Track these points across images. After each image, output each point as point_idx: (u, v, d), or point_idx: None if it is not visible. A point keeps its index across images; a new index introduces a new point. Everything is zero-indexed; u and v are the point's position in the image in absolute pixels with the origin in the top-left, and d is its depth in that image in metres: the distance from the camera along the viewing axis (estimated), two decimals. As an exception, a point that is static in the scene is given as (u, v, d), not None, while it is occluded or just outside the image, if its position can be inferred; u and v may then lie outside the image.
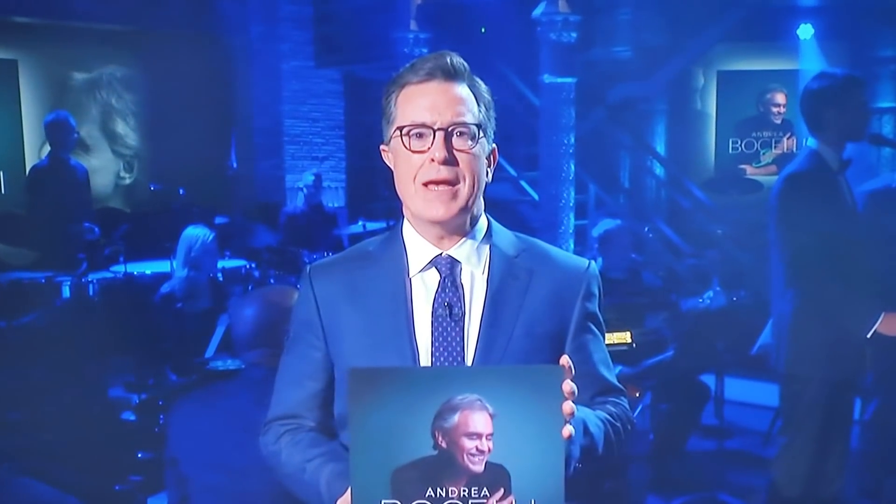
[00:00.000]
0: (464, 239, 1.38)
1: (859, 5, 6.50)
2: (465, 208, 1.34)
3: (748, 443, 4.35)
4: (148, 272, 5.05)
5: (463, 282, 1.37)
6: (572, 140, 5.98)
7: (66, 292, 4.77)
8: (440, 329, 1.34)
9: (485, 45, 6.86)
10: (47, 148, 5.56)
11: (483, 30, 7.08)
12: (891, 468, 3.43)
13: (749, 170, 7.72)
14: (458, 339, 1.33)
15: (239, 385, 2.13)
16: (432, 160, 1.31)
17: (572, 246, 6.00)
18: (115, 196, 7.66)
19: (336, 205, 7.88)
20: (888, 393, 3.39)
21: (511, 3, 6.41)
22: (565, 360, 1.18)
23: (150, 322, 4.22)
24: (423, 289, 1.37)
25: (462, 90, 1.34)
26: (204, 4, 6.85)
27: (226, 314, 3.50)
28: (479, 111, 1.36)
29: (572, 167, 6.03)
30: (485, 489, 1.12)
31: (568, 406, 1.15)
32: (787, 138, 7.75)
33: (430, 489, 1.12)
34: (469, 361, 1.33)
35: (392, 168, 1.39)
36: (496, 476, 1.12)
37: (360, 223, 6.01)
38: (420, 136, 1.32)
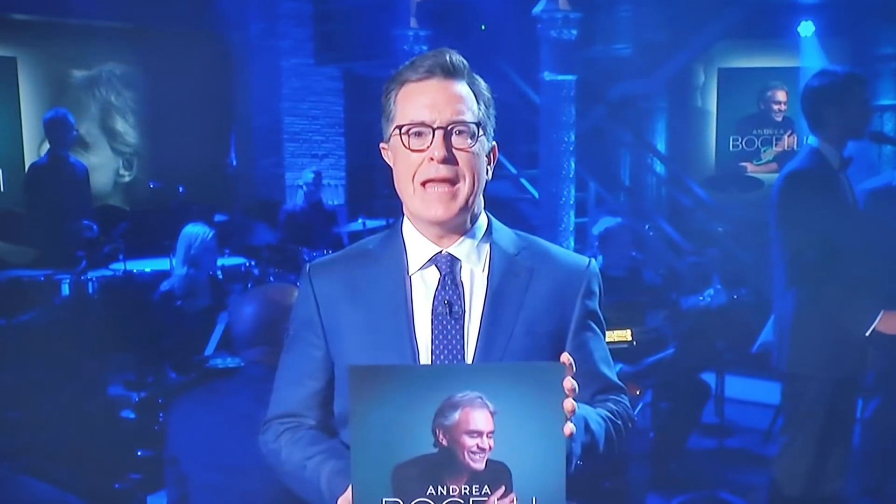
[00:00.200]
0: (464, 237, 1.37)
1: (860, 2, 6.49)
2: (465, 207, 1.33)
3: (749, 441, 4.35)
4: (147, 270, 5.04)
5: (463, 280, 1.36)
6: (572, 138, 5.97)
7: (66, 290, 4.77)
8: (440, 327, 1.33)
9: (485, 43, 6.86)
10: (46, 145, 5.56)
11: (483, 27, 7.07)
12: (892, 467, 3.42)
13: (750, 167, 7.71)
14: (458, 337, 1.33)
15: (239, 383, 2.13)
16: (431, 159, 1.30)
17: (572, 244, 5.99)
18: (115, 194, 7.65)
19: (336, 202, 7.88)
20: (889, 391, 3.38)
21: (511, 1, 6.39)
22: (566, 357, 1.17)
23: (150, 320, 4.21)
24: (423, 287, 1.36)
25: (461, 88, 1.34)
26: (203, 2, 6.84)
27: (225, 312, 3.50)
28: (479, 109, 1.35)
29: (573, 165, 6.02)
30: (486, 487, 1.12)
31: (569, 403, 1.14)
32: (788, 136, 7.74)
33: (431, 487, 1.12)
34: (469, 359, 1.33)
35: (392, 166, 1.39)
36: (497, 474, 1.12)
37: (360, 221, 6.00)
38: (419, 134, 1.31)
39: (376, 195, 7.56)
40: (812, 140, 2.81)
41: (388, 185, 1.40)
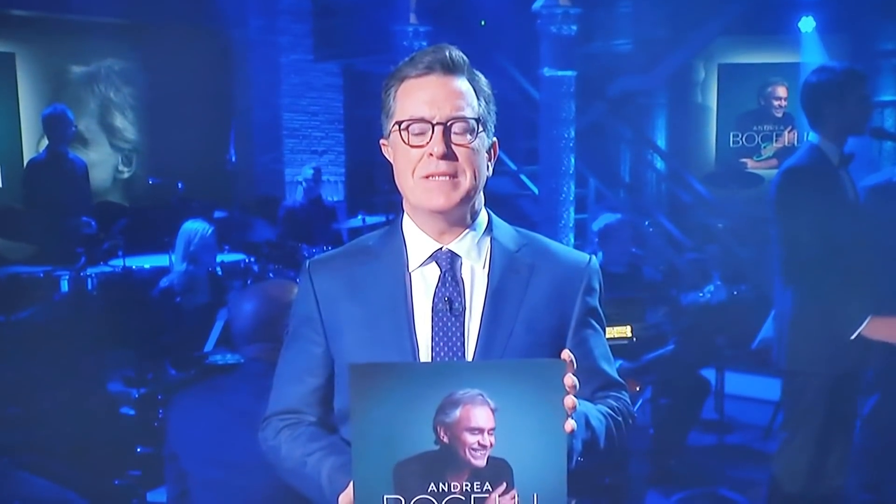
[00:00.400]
0: (464, 233, 1.37)
1: (861, -2, 6.48)
2: (466, 199, 1.33)
3: (749, 437, 4.35)
4: (147, 266, 5.04)
5: (463, 276, 1.36)
6: (572, 134, 5.96)
7: (65, 287, 4.76)
8: (440, 324, 1.33)
9: (484, 39, 6.85)
10: (45, 142, 5.54)
11: (483, 23, 7.06)
12: (891, 463, 3.42)
13: (750, 164, 7.71)
14: (458, 334, 1.33)
15: (238, 379, 2.13)
16: (431, 155, 1.30)
17: (572, 240, 5.99)
18: (114, 190, 7.64)
19: (335, 199, 7.88)
20: (888, 388, 3.38)
21: (511, -3, 6.39)
22: (566, 353, 1.17)
23: (149, 316, 4.21)
24: (424, 283, 1.36)
25: (461, 84, 1.33)
26: (203, -3, 6.83)
27: (225, 309, 3.49)
28: (479, 105, 1.34)
29: (572, 161, 6.02)
30: (487, 484, 1.12)
31: (570, 400, 1.14)
32: (789, 132, 7.73)
33: (432, 484, 1.12)
34: (469, 356, 1.32)
35: (392, 162, 1.38)
36: (498, 470, 1.12)
37: (360, 217, 6.00)
38: (419, 130, 1.31)
39: (376, 191, 7.56)
40: (812, 136, 2.80)
41: (388, 182, 1.40)
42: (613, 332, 3.39)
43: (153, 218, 5.67)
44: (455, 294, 1.34)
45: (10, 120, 6.92)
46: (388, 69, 1.40)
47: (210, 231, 4.26)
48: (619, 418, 1.38)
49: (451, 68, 1.33)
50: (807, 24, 7.02)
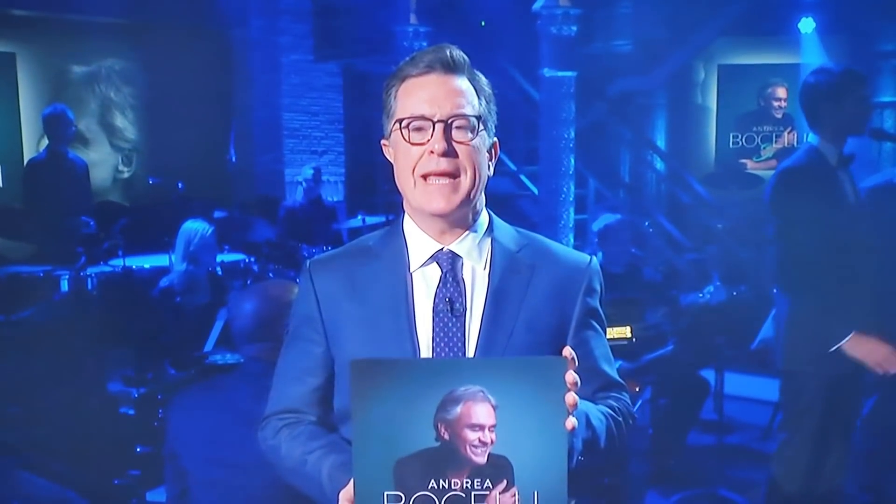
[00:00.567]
0: (465, 234, 1.37)
1: (861, -1, 6.49)
2: (467, 201, 1.33)
3: (748, 438, 4.35)
4: (147, 266, 5.03)
5: (464, 277, 1.36)
6: (572, 134, 5.97)
7: (65, 286, 4.76)
8: (441, 325, 1.33)
9: (485, 39, 6.85)
10: (45, 141, 5.54)
11: (483, 23, 7.06)
12: (890, 464, 3.43)
13: (749, 164, 7.71)
14: (458, 334, 1.33)
15: (238, 379, 2.13)
16: (431, 152, 1.30)
17: (572, 240, 5.99)
18: (114, 190, 7.64)
19: (335, 199, 7.88)
20: (887, 389, 3.38)
21: (511, -3, 6.39)
22: (568, 351, 1.17)
23: (149, 316, 4.21)
24: (424, 284, 1.36)
25: (462, 83, 1.34)
26: (203, -3, 6.84)
27: (225, 308, 3.49)
28: (480, 104, 1.35)
29: (572, 161, 6.02)
30: (487, 481, 1.12)
31: (571, 397, 1.14)
32: (788, 133, 7.73)
33: (432, 481, 1.12)
34: (470, 357, 1.32)
35: (393, 163, 1.38)
36: (499, 468, 1.11)
37: (360, 217, 6.00)
38: (419, 128, 1.31)
39: (376, 192, 7.56)
40: (812, 138, 2.80)
41: (388, 182, 1.40)
42: (613, 332, 3.40)
43: (153, 218, 5.65)
44: (456, 295, 1.34)
45: (10, 119, 6.92)
46: (388, 69, 1.40)
47: (210, 231, 4.26)
48: (620, 419, 1.38)
49: (451, 67, 1.33)
50: (806, 25, 7.03)
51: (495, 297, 1.35)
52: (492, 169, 1.39)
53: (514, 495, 1.12)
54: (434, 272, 1.36)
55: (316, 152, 8.14)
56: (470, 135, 1.32)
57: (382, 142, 1.41)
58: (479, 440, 1.11)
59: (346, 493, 1.19)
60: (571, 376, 1.15)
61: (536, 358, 1.23)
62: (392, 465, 1.11)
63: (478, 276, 1.37)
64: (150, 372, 3.60)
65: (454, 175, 1.31)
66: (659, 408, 3.89)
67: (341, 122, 8.29)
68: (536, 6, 5.88)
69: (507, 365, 1.15)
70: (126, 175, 7.70)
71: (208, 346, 3.41)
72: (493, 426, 1.11)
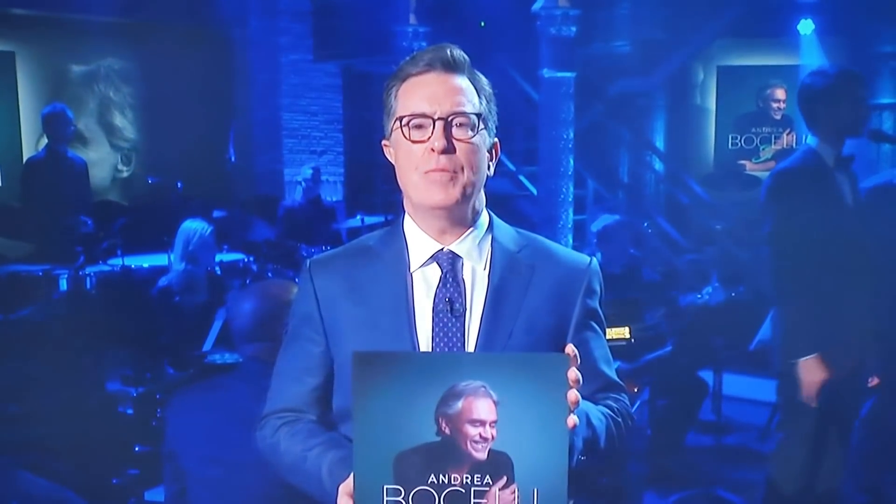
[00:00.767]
0: (465, 234, 1.37)
1: (860, 1, 6.48)
2: (466, 196, 1.33)
3: (746, 438, 4.35)
4: (145, 265, 5.03)
5: (464, 277, 1.36)
6: (571, 135, 5.97)
7: (64, 285, 4.76)
8: (441, 325, 1.33)
9: (484, 40, 6.85)
10: (44, 140, 5.54)
11: (482, 24, 7.06)
12: (888, 465, 3.43)
13: (748, 166, 7.71)
14: (458, 334, 1.33)
15: (237, 379, 2.13)
16: (432, 150, 1.30)
17: (571, 241, 6.00)
18: (113, 189, 7.63)
19: (334, 199, 7.88)
20: (885, 390, 3.38)
21: (510, -2, 6.39)
22: (570, 348, 1.17)
23: (148, 316, 4.21)
24: (424, 284, 1.36)
25: (462, 81, 1.34)
26: (203, -3, 6.83)
27: (223, 308, 3.49)
28: (480, 102, 1.35)
29: (571, 162, 6.02)
30: (487, 477, 1.12)
31: (573, 394, 1.14)
32: (787, 134, 7.74)
33: (432, 475, 1.12)
34: (469, 357, 1.32)
35: (393, 163, 1.38)
36: (499, 464, 1.11)
37: (359, 217, 6.00)
38: (420, 126, 1.31)
39: (375, 191, 7.56)
40: (811, 139, 2.81)
41: (387, 182, 1.40)
42: (612, 333, 3.40)
43: (152, 217, 5.65)
44: (456, 295, 1.34)
45: (9, 119, 6.92)
46: (387, 69, 1.41)
47: (209, 230, 4.26)
48: (619, 419, 1.38)
49: (451, 66, 1.33)
50: (805, 26, 7.03)
51: (495, 298, 1.35)
52: (492, 169, 1.39)
53: (514, 492, 1.12)
54: (434, 272, 1.36)
55: (315, 152, 8.14)
56: (470, 132, 1.32)
57: (383, 142, 1.41)
58: (480, 436, 1.11)
59: (346, 487, 1.19)
60: (573, 374, 1.14)
61: (539, 354, 1.23)
62: (392, 458, 1.11)
63: (478, 276, 1.37)
64: (149, 371, 3.60)
65: (454, 172, 1.31)
66: (657, 408, 3.90)
67: (340, 122, 8.29)
68: (536, 7, 5.89)
69: (510, 361, 1.15)
70: (125, 174, 7.70)
71: (207, 346, 3.41)
72: (495, 422, 1.10)
